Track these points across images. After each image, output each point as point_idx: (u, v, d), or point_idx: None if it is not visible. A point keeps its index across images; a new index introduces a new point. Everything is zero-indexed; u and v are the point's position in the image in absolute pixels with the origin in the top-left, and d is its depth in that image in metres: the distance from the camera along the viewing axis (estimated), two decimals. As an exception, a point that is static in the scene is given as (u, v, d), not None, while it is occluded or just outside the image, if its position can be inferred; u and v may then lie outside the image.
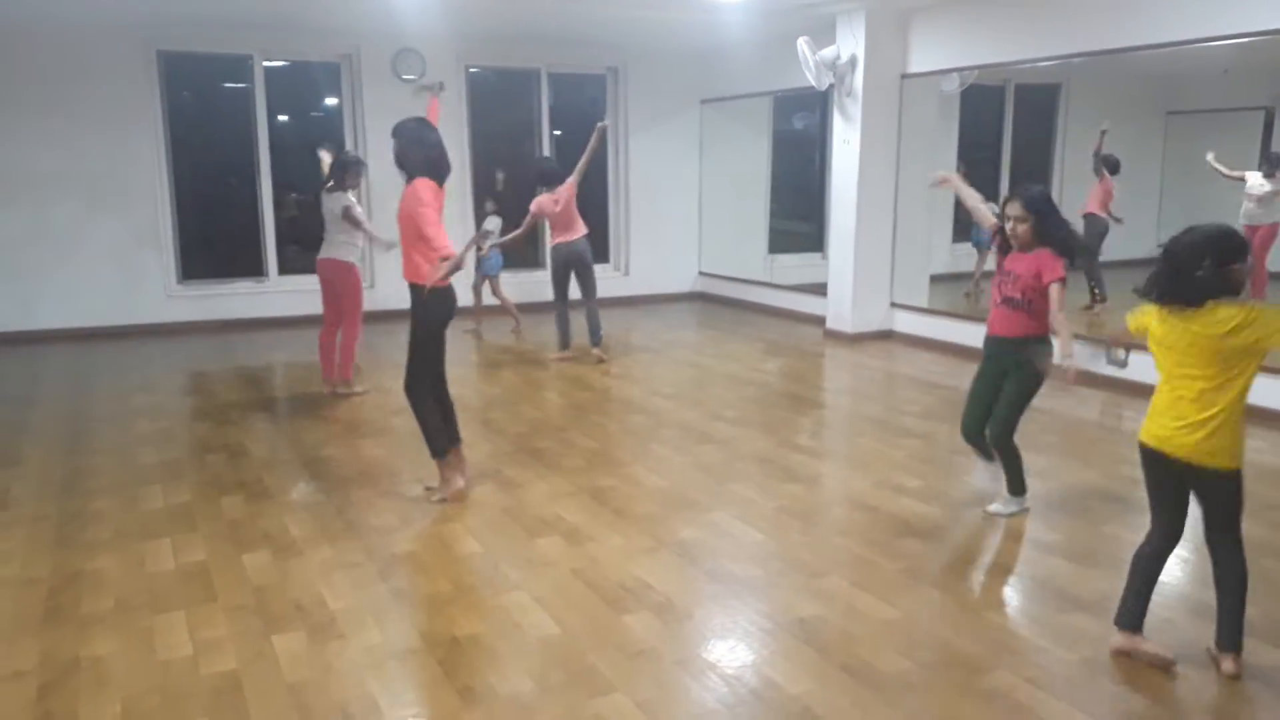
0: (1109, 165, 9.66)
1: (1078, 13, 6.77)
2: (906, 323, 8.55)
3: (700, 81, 10.80)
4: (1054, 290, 3.91)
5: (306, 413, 6.17)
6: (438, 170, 4.31)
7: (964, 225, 10.57)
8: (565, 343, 7.67)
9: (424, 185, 4.22)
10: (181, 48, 8.87)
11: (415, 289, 4.32)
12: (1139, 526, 3.15)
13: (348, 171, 6.37)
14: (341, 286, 6.39)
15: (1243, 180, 9.30)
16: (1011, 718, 2.70)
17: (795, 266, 10.81)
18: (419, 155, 4.27)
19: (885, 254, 8.53)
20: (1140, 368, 6.41)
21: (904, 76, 8.25)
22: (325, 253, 6.37)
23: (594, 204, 10.05)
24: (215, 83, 9.72)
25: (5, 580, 3.66)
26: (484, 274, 8.74)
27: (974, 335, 7.62)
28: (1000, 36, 7.40)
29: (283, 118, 9.54)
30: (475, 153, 9.98)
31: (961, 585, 3.69)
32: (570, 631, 3.23)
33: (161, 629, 3.26)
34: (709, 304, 10.89)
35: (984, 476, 4.61)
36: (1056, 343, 3.99)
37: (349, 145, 9.51)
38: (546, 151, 10.08)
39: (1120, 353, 6.66)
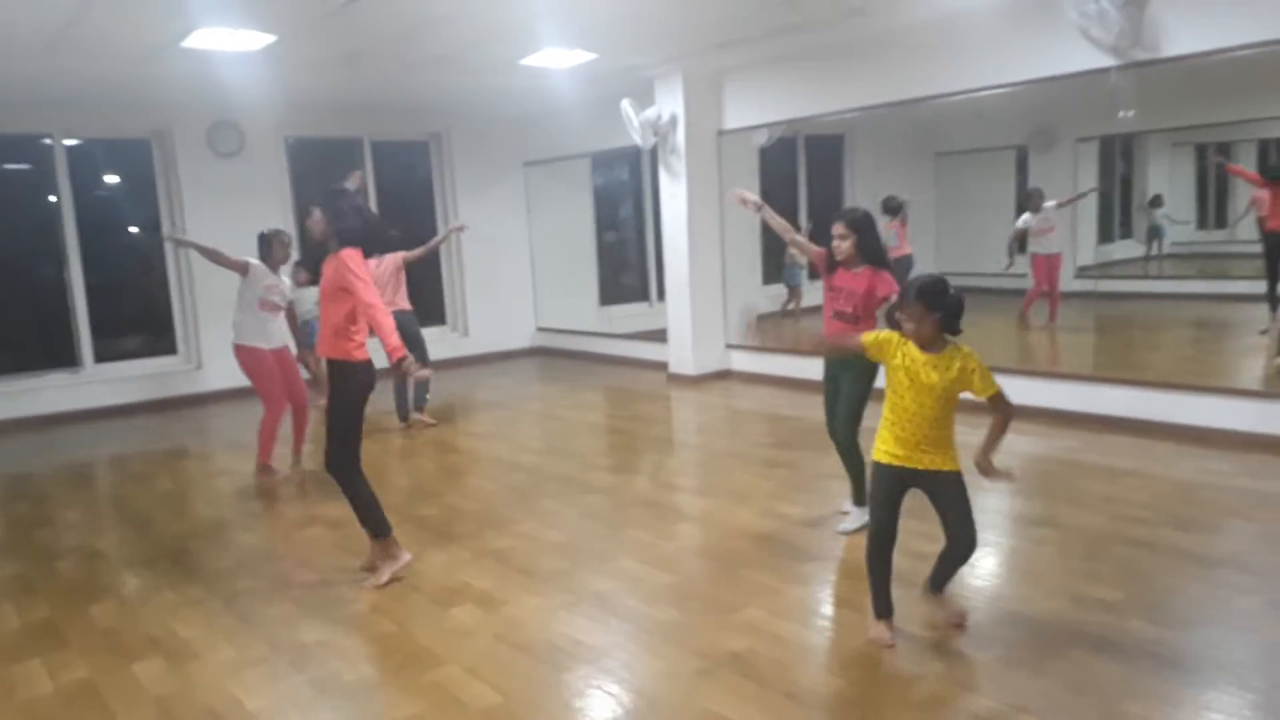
0: (887, 208, 10.17)
1: (860, 72, 7.44)
2: (741, 361, 8.97)
3: (522, 144, 10.99)
4: (854, 285, 4.39)
5: (156, 506, 5.76)
6: (377, 241, 4.29)
7: (771, 270, 11.25)
8: (404, 415, 7.50)
9: (356, 255, 4.13)
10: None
11: (334, 365, 4.19)
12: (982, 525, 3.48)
13: (273, 246, 6.08)
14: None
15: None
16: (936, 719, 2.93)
17: (626, 316, 11.14)
18: (357, 223, 4.20)
19: (718, 298, 8.94)
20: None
21: (720, 133, 8.73)
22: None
23: (427, 267, 9.98)
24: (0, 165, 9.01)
25: None
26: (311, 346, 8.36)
27: (802, 368, 8.18)
28: (798, 94, 8.00)
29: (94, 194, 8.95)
30: (301, 221, 9.67)
31: (866, 602, 3.91)
32: (513, 698, 3.20)
33: (63, 757, 2.99)
34: (549, 357, 10.98)
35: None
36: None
37: (164, 223, 9.04)
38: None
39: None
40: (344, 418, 4.21)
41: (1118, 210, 12.92)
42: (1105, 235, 12.80)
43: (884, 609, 3.45)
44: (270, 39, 6.38)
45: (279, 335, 6.14)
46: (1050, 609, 3.61)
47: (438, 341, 9.70)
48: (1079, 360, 8.79)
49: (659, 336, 9.90)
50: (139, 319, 9.55)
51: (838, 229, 4.42)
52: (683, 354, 8.89)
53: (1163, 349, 8.86)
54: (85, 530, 5.34)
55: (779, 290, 10.95)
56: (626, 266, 11.91)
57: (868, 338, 3.41)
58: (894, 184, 11.74)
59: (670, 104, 8.53)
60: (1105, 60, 5.93)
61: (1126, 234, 13.02)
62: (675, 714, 3.04)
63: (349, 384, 4.19)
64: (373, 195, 10.05)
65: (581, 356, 10.67)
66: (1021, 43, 6.36)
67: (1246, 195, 10.64)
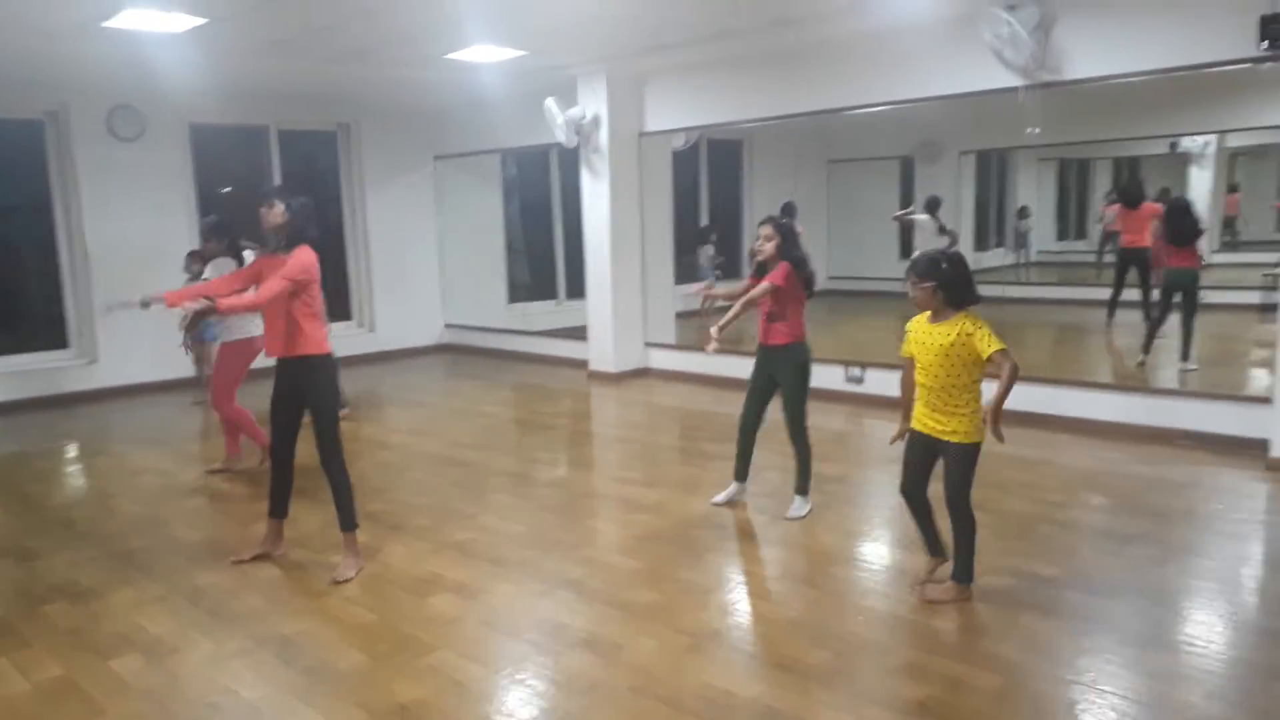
0: (787, 211, 10.61)
1: (781, 81, 7.73)
2: (660, 359, 9.18)
3: (434, 138, 10.91)
4: (758, 289, 4.65)
5: (79, 505, 5.54)
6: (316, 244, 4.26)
7: (685, 268, 11.55)
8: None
9: (314, 258, 4.13)
10: None
11: (305, 361, 4.15)
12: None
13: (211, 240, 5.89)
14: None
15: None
16: (920, 682, 3.19)
17: (534, 314, 11.23)
18: (315, 230, 4.23)
19: (638, 297, 9.12)
20: (876, 383, 7.45)
21: (642, 134, 8.92)
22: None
23: (332, 261, 9.81)
24: None
25: None
26: (205, 340, 8.09)
27: (718, 365, 8.45)
28: (719, 100, 8.25)
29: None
30: (204, 210, 9.34)
31: (828, 580, 4.17)
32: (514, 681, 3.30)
33: (61, 753, 2.92)
34: (459, 354, 10.94)
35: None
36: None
37: (57, 210, 8.60)
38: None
39: (857, 370, 7.67)
40: (330, 411, 4.20)
41: (993, 220, 13.83)
42: (981, 243, 13.67)
43: (933, 549, 3.86)
44: (199, 21, 6.20)
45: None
46: (996, 583, 3.93)
47: (344, 338, 9.54)
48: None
49: (570, 334, 10.06)
50: (27, 310, 9.05)
51: (766, 230, 4.72)
52: (604, 351, 9.04)
53: (1043, 349, 9.53)
54: (9, 531, 5.10)
55: (687, 289, 11.23)
56: (535, 264, 11.98)
57: (904, 349, 3.74)
58: (790, 189, 12.26)
59: (594, 104, 8.67)
60: (1014, 80, 6.40)
61: (1000, 243, 13.95)
62: (677, 686, 3.19)
63: (327, 375, 4.18)
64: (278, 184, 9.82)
65: (492, 354, 10.68)
66: (938, 60, 6.77)
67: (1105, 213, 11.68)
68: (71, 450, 7.04)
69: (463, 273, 11.26)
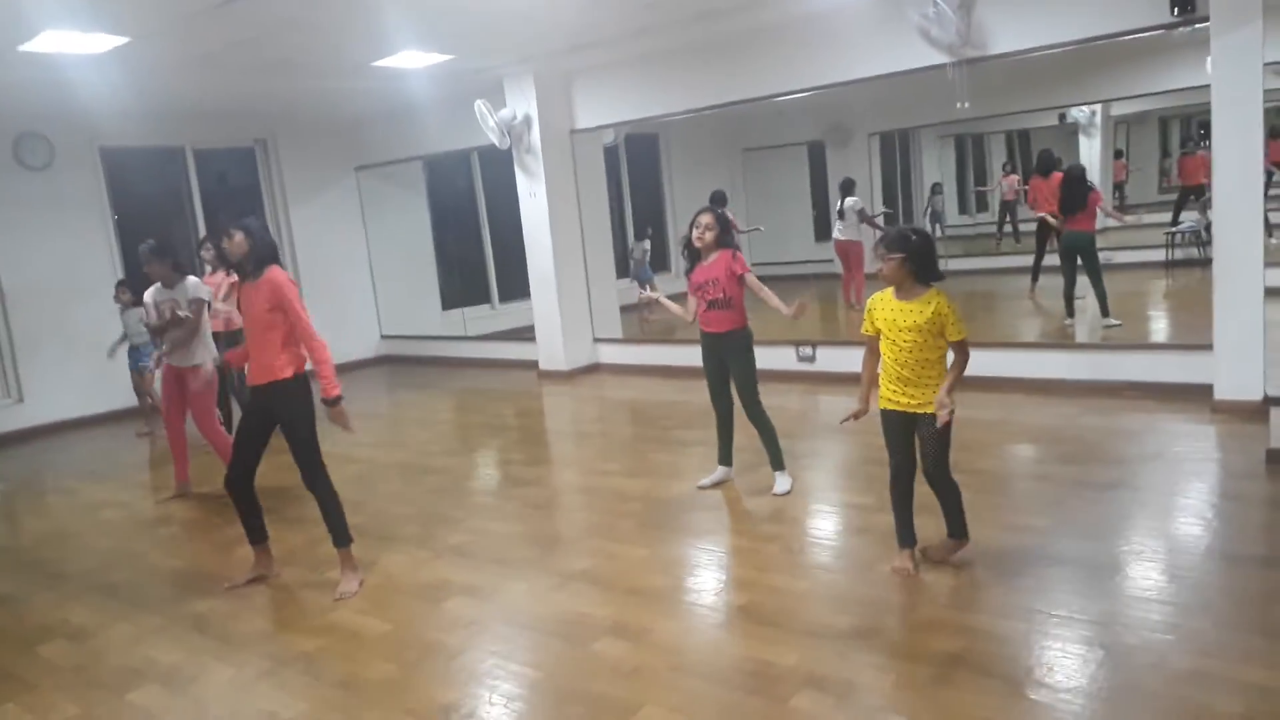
0: (716, 200, 10.76)
1: (706, 72, 7.88)
2: (610, 354, 9.22)
3: (353, 149, 10.72)
4: (750, 278, 4.79)
5: (42, 545, 5.29)
6: (278, 259, 4.20)
7: (620, 265, 11.62)
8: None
9: (288, 280, 4.06)
10: None
11: (278, 387, 4.06)
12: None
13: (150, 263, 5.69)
14: None
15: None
16: (950, 636, 3.32)
17: (470, 319, 11.13)
18: (271, 243, 4.17)
19: (583, 293, 9.14)
20: (826, 360, 7.65)
21: (573, 132, 8.93)
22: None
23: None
24: None
25: None
26: (139, 369, 7.83)
27: (666, 355, 8.58)
28: (646, 94, 8.35)
29: None
30: (123, 236, 9.00)
31: (833, 549, 4.28)
32: (555, 675, 3.29)
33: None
34: (399, 365, 10.79)
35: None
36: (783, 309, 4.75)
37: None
38: (201, 231, 9.37)
39: (808, 349, 7.85)
40: (311, 432, 4.14)
41: (900, 198, 14.25)
42: (890, 222, 14.08)
43: (906, 539, 3.84)
44: (122, 41, 5.99)
45: None
46: (995, 537, 4.10)
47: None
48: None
49: (512, 336, 10.03)
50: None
51: (706, 219, 4.85)
52: (553, 350, 9.02)
53: (976, 317, 9.88)
54: (-29, 576, 4.86)
55: (625, 284, 11.31)
56: (466, 269, 11.86)
57: (866, 327, 3.75)
58: (709, 179, 12.40)
59: (523, 104, 8.64)
60: (940, 58, 6.64)
61: (908, 220, 14.37)
62: (716, 663, 3.26)
63: (307, 397, 4.12)
64: (196, 205, 9.52)
65: (433, 361, 10.56)
66: (864, 42, 6.98)
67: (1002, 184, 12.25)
68: (19, 490, 6.72)
69: (395, 282, 11.10)
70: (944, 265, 3.72)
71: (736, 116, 11.70)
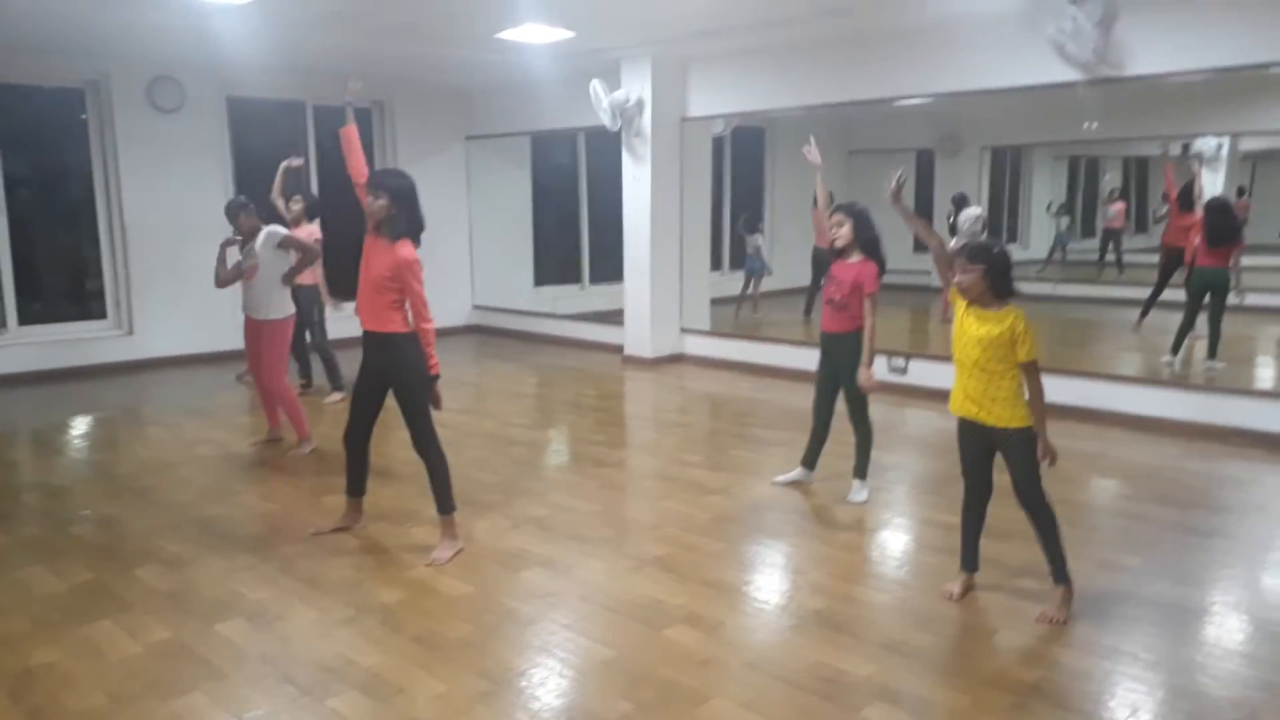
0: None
1: (814, 72, 7.82)
2: (694, 345, 9.21)
3: (464, 118, 10.89)
4: (867, 305, 4.71)
5: (146, 473, 5.53)
6: (418, 235, 4.19)
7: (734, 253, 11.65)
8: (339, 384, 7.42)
9: (417, 260, 4.09)
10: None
11: (390, 340, 4.13)
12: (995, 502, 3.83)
13: (239, 216, 5.82)
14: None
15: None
16: (1030, 666, 3.23)
17: (559, 298, 11.24)
18: (416, 218, 4.16)
19: (675, 283, 9.14)
20: (918, 374, 7.51)
21: (684, 119, 8.92)
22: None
23: (353, 240, 9.77)
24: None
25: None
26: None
27: (751, 352, 8.53)
28: (763, 87, 8.26)
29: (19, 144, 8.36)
30: (240, 187, 9.31)
31: (911, 565, 4.21)
32: (626, 655, 3.31)
33: (184, 713, 2.93)
34: (487, 336, 10.95)
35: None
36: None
37: (97, 178, 8.55)
38: (314, 186, 9.63)
39: (900, 361, 7.72)
40: (423, 395, 4.18)
41: (1005, 215, 13.84)
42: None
43: (967, 562, 3.76)
44: (262, -7, 6.18)
45: None
46: (1083, 571, 3.95)
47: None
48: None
49: (596, 318, 10.11)
50: (66, 280, 9.02)
51: (835, 218, 4.76)
52: (640, 336, 9.05)
53: (1075, 345, 9.59)
54: (83, 496, 5.10)
55: (715, 277, 11.29)
56: (560, 248, 11.97)
57: (953, 289, 3.64)
58: (810, 178, 12.23)
59: (637, 88, 8.66)
60: (1073, 75, 6.43)
61: (1013, 239, 13.98)
62: (790, 664, 3.23)
63: (418, 354, 4.16)
64: (312, 160, 9.78)
65: (521, 336, 10.69)
66: (994, 53, 6.79)
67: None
68: (124, 420, 7.03)
69: (491, 254, 11.27)
70: (1052, 290, 3.63)
71: (846, 118, 11.57)
